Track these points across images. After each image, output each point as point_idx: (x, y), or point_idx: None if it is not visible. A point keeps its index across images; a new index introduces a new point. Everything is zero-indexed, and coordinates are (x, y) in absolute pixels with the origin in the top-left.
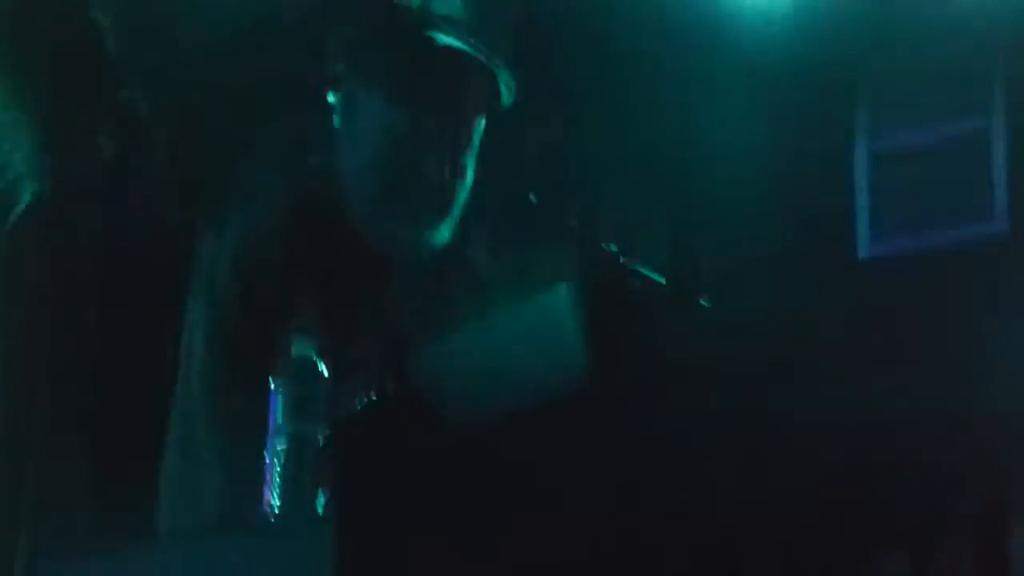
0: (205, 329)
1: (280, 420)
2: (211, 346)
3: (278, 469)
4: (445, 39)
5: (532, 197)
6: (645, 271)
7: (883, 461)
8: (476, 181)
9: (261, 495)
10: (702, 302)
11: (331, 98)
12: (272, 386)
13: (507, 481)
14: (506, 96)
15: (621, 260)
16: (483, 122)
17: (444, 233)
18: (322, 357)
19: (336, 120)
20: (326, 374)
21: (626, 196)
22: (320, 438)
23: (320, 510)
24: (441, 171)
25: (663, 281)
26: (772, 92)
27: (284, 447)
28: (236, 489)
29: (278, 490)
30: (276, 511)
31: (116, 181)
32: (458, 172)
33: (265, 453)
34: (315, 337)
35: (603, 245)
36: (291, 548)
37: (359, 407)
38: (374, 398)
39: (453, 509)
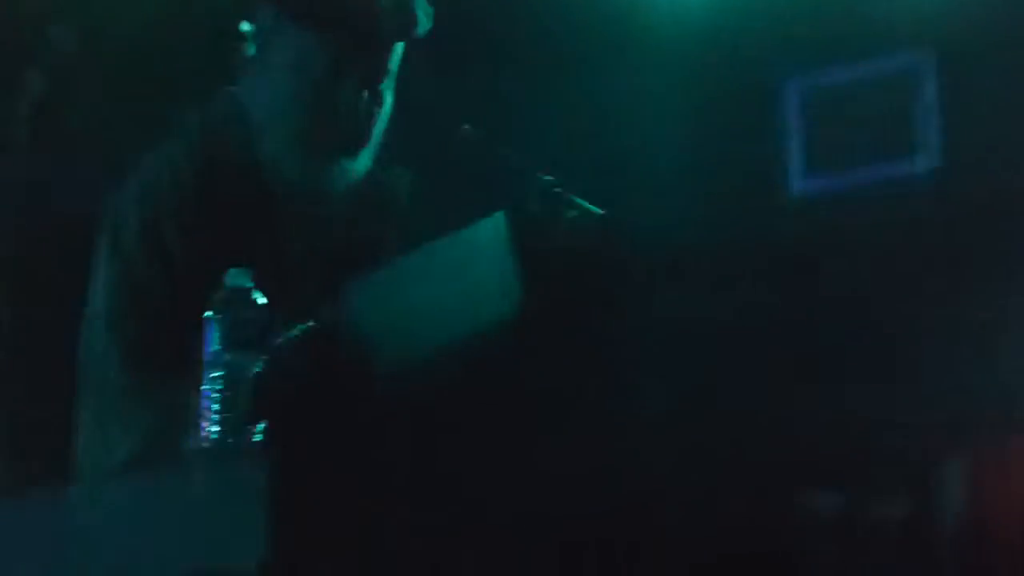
0: (108, 272)
1: (215, 348)
2: (117, 290)
3: (215, 397)
4: None
5: (467, 127)
6: (580, 201)
7: (811, 403)
8: (408, 111)
9: (194, 425)
10: (635, 233)
11: (245, 27)
12: (206, 315)
13: (442, 412)
14: (423, 22)
15: (556, 190)
16: (400, 48)
17: (364, 162)
18: (257, 285)
19: (250, 49)
20: (261, 302)
21: (560, 132)
22: (256, 366)
23: (256, 437)
24: (359, 98)
25: (599, 211)
26: (700, 34)
27: (220, 375)
28: (165, 422)
29: (214, 418)
30: (212, 439)
31: (44, 120)
32: (377, 99)
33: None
34: (250, 266)
35: (538, 175)
36: (227, 476)
37: (294, 335)
38: (310, 325)
39: (388, 438)
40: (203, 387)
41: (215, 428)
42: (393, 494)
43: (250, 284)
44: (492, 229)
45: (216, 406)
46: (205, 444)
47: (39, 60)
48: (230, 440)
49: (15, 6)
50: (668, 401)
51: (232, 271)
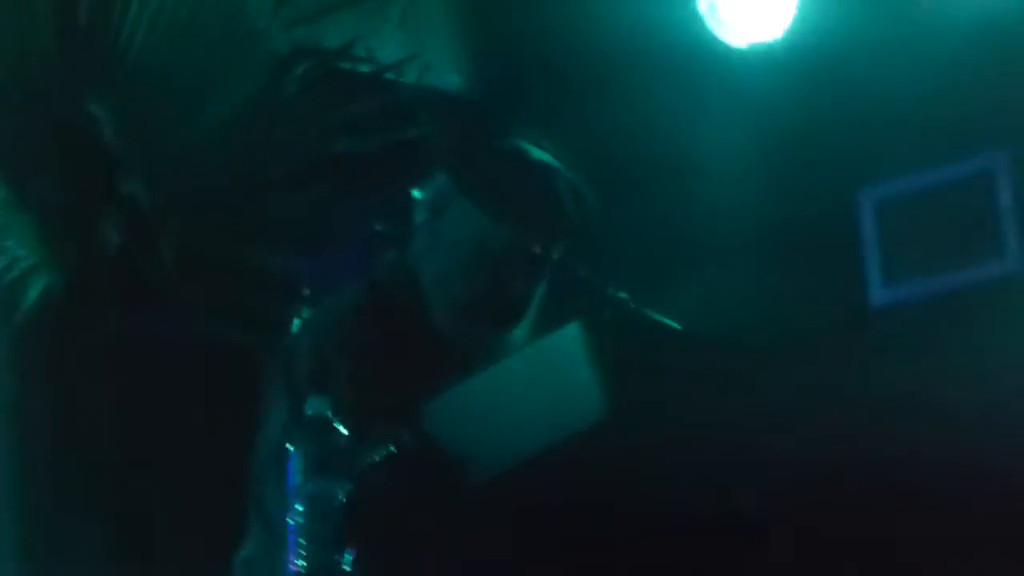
0: (280, 410)
1: (299, 480)
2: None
3: (300, 529)
4: (539, 154)
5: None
6: (657, 316)
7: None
8: None
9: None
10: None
11: (416, 194)
12: (290, 448)
13: (532, 522)
14: (593, 218)
15: (632, 306)
16: (569, 241)
17: (519, 335)
18: (338, 415)
19: (419, 215)
20: (343, 431)
21: (635, 245)
22: (340, 495)
23: (346, 567)
24: (526, 282)
25: (676, 326)
26: (775, 145)
27: (304, 507)
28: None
29: (302, 551)
30: (301, 573)
31: (123, 272)
32: (540, 282)
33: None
34: (331, 395)
35: (613, 292)
36: None
37: (378, 461)
38: (393, 450)
39: (480, 554)
40: (287, 521)
41: (302, 562)
42: None
43: (329, 413)
44: (568, 339)
45: (302, 539)
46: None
47: (115, 215)
48: (320, 572)
49: (88, 162)
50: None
51: (312, 400)
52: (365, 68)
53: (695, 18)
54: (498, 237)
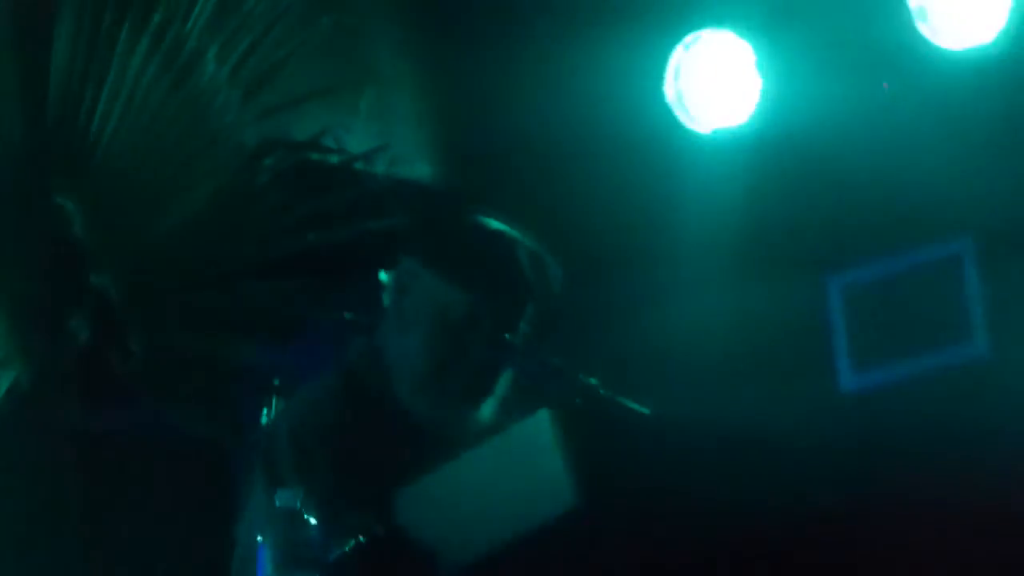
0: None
1: (269, 573)
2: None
3: None
4: (496, 224)
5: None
6: (627, 402)
7: None
8: None
9: None
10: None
11: (383, 277)
12: (258, 539)
13: None
14: (556, 284)
15: (602, 392)
16: (532, 308)
17: (487, 412)
18: (311, 504)
19: (386, 299)
20: (312, 523)
21: (604, 332)
22: None
23: None
24: (489, 354)
25: (646, 411)
26: (742, 231)
27: None
28: None
29: None
30: None
31: (92, 365)
32: (504, 356)
33: None
34: (309, 483)
35: (583, 378)
36: None
37: (348, 551)
38: (363, 541)
39: None
40: None
41: None
42: None
43: (299, 504)
44: (537, 428)
45: None
46: None
47: (83, 308)
48: None
49: (57, 255)
50: None
51: (281, 492)
52: (334, 159)
53: (663, 107)
54: (458, 305)
